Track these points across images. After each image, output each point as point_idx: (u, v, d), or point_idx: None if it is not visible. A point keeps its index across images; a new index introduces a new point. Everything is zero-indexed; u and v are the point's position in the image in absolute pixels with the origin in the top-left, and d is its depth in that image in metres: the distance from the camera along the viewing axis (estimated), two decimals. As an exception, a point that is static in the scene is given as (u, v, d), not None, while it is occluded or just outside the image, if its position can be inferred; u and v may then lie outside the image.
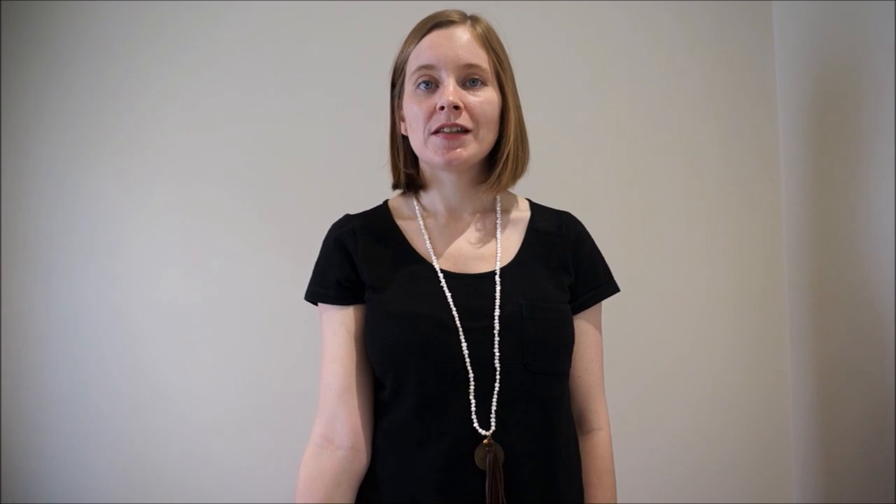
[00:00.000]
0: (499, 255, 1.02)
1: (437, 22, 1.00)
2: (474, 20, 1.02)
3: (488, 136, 1.00)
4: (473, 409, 0.92)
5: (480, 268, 1.01)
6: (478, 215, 1.06)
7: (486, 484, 0.89)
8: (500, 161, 1.02)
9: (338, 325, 1.01)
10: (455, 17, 1.01)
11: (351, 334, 1.00)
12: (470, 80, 0.98)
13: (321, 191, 1.57)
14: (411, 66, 0.99)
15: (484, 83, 0.99)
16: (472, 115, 0.96)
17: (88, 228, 1.57)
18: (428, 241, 1.02)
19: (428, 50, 0.98)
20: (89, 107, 1.58)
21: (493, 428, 0.92)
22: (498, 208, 1.07)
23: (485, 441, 0.90)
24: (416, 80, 0.98)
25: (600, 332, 1.08)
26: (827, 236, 1.43)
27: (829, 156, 1.42)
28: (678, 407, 1.58)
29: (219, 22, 1.60)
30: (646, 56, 1.61)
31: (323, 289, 1.03)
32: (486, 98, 0.98)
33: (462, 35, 0.98)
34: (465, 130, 0.96)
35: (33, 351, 1.56)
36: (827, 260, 1.43)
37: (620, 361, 1.47)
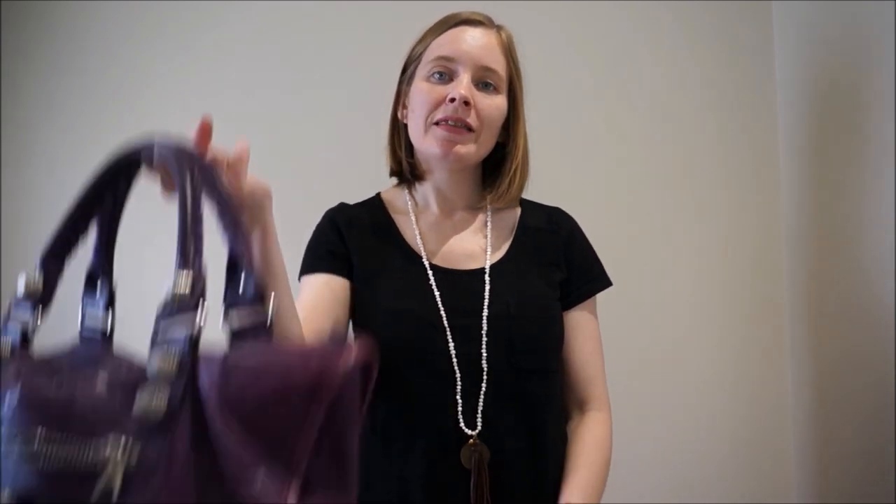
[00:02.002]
0: (489, 252, 1.02)
1: (464, 19, 1.01)
2: (500, 28, 1.03)
3: (488, 141, 1.00)
4: (460, 408, 0.91)
5: (470, 264, 1.01)
6: (469, 212, 1.06)
7: (472, 483, 0.89)
8: (507, 172, 1.03)
9: (321, 283, 0.98)
10: (483, 19, 1.02)
11: (333, 293, 0.98)
12: (483, 82, 0.98)
13: (321, 191, 1.56)
14: (429, 55, 1.00)
15: (497, 90, 0.99)
16: (479, 116, 0.97)
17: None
18: (419, 237, 1.03)
19: (450, 43, 0.98)
20: (89, 107, 1.58)
21: (478, 428, 0.91)
22: (489, 206, 1.07)
23: (470, 441, 0.90)
24: (431, 69, 0.98)
25: (597, 325, 1.07)
26: (827, 235, 1.43)
27: (829, 155, 1.42)
28: (678, 406, 1.58)
29: (219, 22, 1.60)
30: (645, 56, 1.61)
31: (315, 260, 1.02)
32: (495, 103, 0.99)
33: (487, 38, 0.99)
34: (469, 129, 0.96)
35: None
36: (827, 258, 1.43)
37: (619, 361, 1.46)
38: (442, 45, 0.99)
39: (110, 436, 0.41)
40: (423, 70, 1.00)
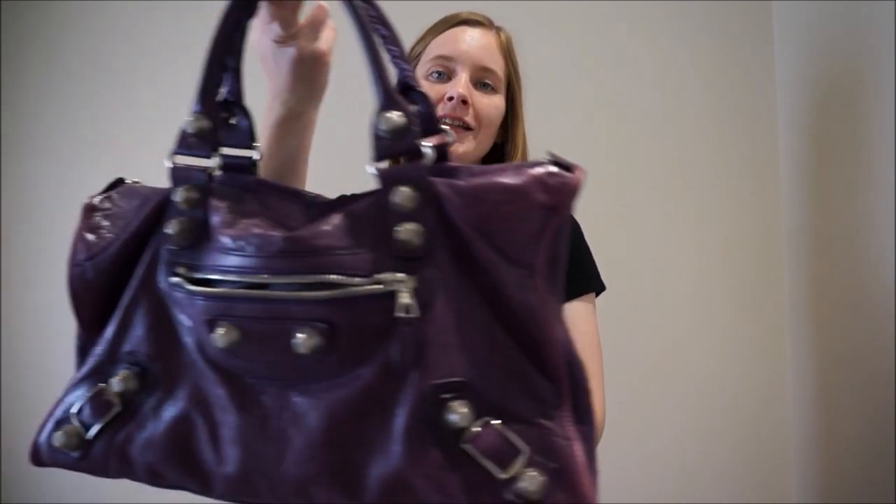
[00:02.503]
0: None
1: (464, 19, 1.01)
2: (499, 29, 1.03)
3: (486, 140, 1.00)
4: None
5: None
6: None
7: None
8: None
9: None
10: (482, 19, 1.02)
11: None
12: (482, 82, 0.99)
13: (321, 190, 1.57)
14: (428, 55, 1.00)
15: (495, 90, 1.00)
16: (477, 115, 0.97)
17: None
18: None
19: (450, 43, 0.99)
20: (90, 106, 1.58)
21: None
22: None
23: None
24: (430, 68, 0.99)
25: (592, 324, 1.02)
26: (827, 235, 1.43)
27: (829, 155, 1.42)
28: (677, 406, 1.58)
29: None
30: (645, 56, 1.61)
31: None
32: (493, 103, 0.99)
33: (486, 38, 1.00)
34: (467, 128, 0.97)
35: (33, 350, 1.55)
36: (827, 258, 1.43)
37: (619, 362, 1.46)
38: (441, 45, 0.99)
39: (382, 274, 0.46)
40: (421, 69, 1.01)
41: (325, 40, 0.71)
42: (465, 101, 0.95)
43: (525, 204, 0.46)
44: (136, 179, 0.61)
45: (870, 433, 1.29)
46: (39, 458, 0.55)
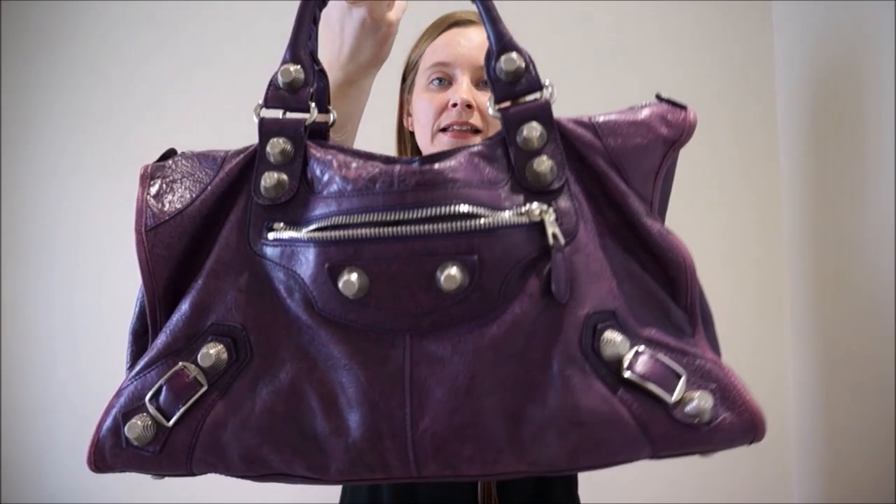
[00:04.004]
0: None
1: (455, 21, 0.99)
2: None
3: None
4: None
5: None
6: None
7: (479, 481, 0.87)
8: None
9: None
10: (474, 18, 1.00)
11: None
12: (483, 81, 0.98)
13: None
14: (426, 62, 0.98)
15: None
16: (483, 115, 0.96)
17: (93, 227, 1.54)
18: None
19: (445, 47, 0.97)
20: (90, 106, 1.55)
21: None
22: None
23: None
24: (430, 75, 0.97)
25: None
26: (827, 234, 1.44)
27: (829, 155, 1.44)
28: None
29: (218, 26, 1.57)
30: (644, 56, 1.62)
31: None
32: None
33: (481, 36, 0.98)
34: (475, 130, 0.96)
35: (34, 350, 1.52)
36: (827, 258, 1.44)
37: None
38: (437, 51, 0.97)
39: (523, 206, 0.46)
40: (421, 78, 0.98)
41: (395, 10, 0.70)
42: (469, 106, 0.93)
43: (651, 137, 0.48)
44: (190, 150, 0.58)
45: (871, 434, 1.29)
46: (103, 459, 0.49)
